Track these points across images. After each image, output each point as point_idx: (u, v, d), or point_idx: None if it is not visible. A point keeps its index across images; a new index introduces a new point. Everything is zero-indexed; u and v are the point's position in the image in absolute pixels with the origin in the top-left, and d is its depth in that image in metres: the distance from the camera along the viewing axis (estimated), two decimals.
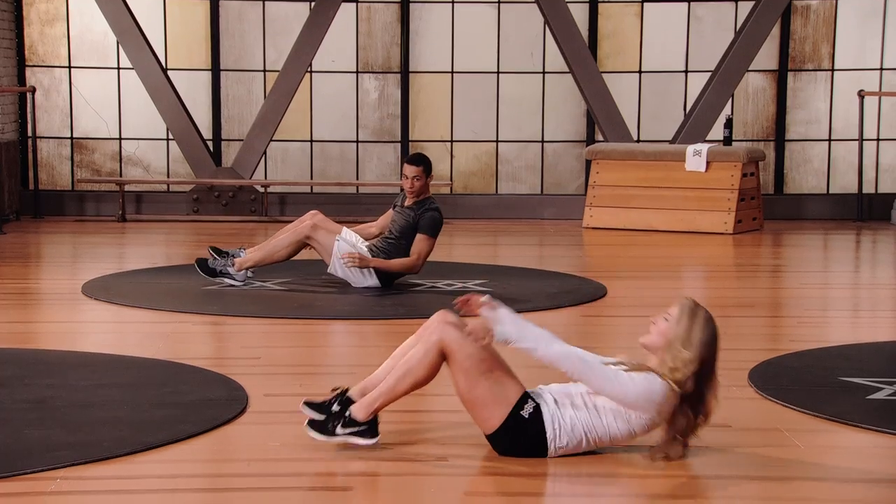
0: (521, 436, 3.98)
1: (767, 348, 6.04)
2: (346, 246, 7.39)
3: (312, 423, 4.11)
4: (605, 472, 3.95)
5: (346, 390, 4.19)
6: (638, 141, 12.31)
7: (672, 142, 12.04)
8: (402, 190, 7.47)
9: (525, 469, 3.95)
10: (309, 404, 4.18)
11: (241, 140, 12.21)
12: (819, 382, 5.22)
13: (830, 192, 12.51)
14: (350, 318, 6.72)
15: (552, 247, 10.41)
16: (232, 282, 7.48)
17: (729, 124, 11.55)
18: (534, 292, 7.54)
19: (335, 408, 4.10)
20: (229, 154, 12.40)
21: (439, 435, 4.33)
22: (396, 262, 7.35)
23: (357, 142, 12.50)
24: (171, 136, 12.19)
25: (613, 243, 10.45)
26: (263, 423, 4.52)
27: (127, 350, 5.78)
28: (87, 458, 3.97)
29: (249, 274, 7.56)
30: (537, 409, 3.99)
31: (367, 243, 7.55)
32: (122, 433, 4.28)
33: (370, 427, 4.06)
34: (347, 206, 11.94)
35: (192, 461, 4.09)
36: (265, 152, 12.15)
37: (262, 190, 11.93)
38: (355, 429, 4.04)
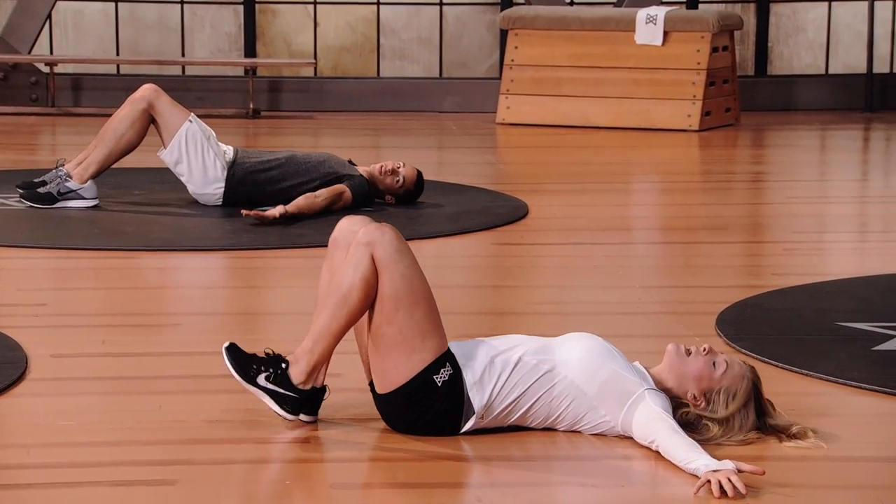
0: (424, 409, 4.01)
1: (743, 285, 6.15)
2: (197, 129, 7.37)
3: (233, 354, 4.07)
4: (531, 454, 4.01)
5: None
6: (571, 3, 12.32)
7: (617, 5, 12.08)
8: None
9: (425, 449, 4.00)
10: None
11: None
12: (810, 329, 5.33)
13: (830, 72, 12.70)
14: (174, 250, 6.68)
15: (455, 150, 10.41)
16: (82, 202, 7.41)
17: None
18: (430, 213, 7.56)
19: (266, 354, 4.08)
20: None
21: None
22: (307, 201, 7.29)
23: (181, 2, 12.30)
24: None
25: (537, 145, 10.49)
26: (50, 395, 4.49)
27: None
28: None
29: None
30: (455, 378, 4.02)
31: (231, 147, 7.54)
32: None
33: (304, 399, 4.04)
34: (171, 94, 11.77)
35: None
36: (49, 16, 11.90)
37: (46, 70, 11.71)
38: (282, 391, 4.01)
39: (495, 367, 4.05)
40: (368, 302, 4.01)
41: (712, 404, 4.02)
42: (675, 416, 3.99)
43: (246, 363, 4.07)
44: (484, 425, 4.07)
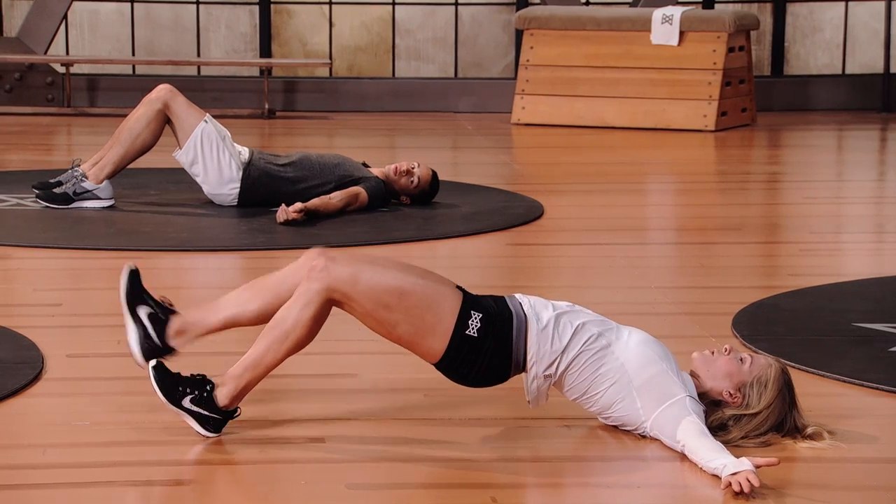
0: (475, 360, 4.04)
1: (759, 286, 6.15)
2: (212, 130, 7.39)
3: (159, 374, 4.09)
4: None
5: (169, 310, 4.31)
6: (587, 3, 12.32)
7: (633, 5, 12.07)
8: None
9: (439, 450, 3.99)
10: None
11: None
12: (827, 330, 5.33)
13: (847, 72, 12.68)
14: (189, 250, 6.70)
15: (470, 150, 10.41)
16: (98, 203, 7.42)
17: None
18: (445, 213, 7.56)
19: (192, 375, 4.10)
20: (14, 18, 12.14)
21: (311, 407, 4.35)
22: (322, 202, 7.29)
23: (197, 2, 12.32)
24: None
25: (553, 145, 10.49)
26: (66, 395, 4.50)
27: None
28: None
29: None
30: (488, 320, 4.03)
31: (246, 148, 7.56)
32: None
33: (224, 419, 4.09)
34: (186, 95, 11.79)
35: None
36: (65, 17, 11.92)
37: (62, 70, 11.74)
38: (206, 412, 4.05)
39: (561, 324, 4.07)
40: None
41: (747, 398, 4.04)
42: (707, 421, 4.00)
43: (172, 385, 4.08)
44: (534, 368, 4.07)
